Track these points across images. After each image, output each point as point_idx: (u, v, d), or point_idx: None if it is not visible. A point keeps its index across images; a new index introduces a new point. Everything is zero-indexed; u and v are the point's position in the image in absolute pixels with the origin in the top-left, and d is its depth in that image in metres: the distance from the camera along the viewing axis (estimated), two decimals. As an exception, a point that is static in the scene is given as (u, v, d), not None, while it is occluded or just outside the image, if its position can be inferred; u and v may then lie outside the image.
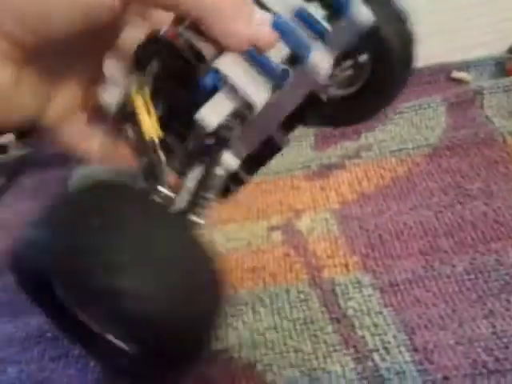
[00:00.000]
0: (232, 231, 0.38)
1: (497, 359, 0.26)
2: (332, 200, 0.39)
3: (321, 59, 0.24)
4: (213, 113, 0.22)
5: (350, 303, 0.31)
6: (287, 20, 0.23)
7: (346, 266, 0.33)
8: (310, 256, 0.34)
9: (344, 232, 0.36)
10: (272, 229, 0.37)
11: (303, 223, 0.37)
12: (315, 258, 0.34)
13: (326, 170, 0.42)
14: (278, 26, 0.23)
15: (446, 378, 0.26)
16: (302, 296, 0.32)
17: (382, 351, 0.28)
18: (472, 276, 0.31)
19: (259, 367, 0.28)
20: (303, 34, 0.23)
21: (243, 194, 0.41)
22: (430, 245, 0.33)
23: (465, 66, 0.50)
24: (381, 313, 0.30)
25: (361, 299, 0.31)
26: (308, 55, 0.23)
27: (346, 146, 0.43)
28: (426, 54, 0.51)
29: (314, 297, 0.32)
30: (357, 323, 0.29)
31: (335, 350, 0.28)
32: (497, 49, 0.51)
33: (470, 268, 0.31)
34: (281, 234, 0.37)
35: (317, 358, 0.28)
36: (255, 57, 0.22)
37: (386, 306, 0.30)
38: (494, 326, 0.28)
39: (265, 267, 0.34)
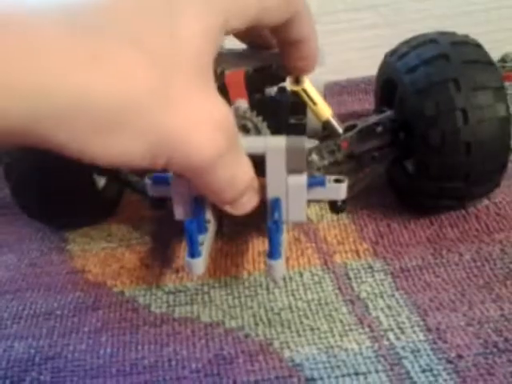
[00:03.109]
0: (240, 216, 0.39)
1: (506, 339, 0.27)
2: (339, 190, 0.40)
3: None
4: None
5: (363, 286, 0.32)
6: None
7: (357, 252, 0.34)
8: (321, 242, 0.35)
9: (353, 220, 0.37)
10: (281, 215, 0.38)
11: (312, 211, 0.38)
12: (326, 243, 0.35)
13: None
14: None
15: (459, 356, 0.27)
16: (315, 279, 0.32)
17: (397, 331, 0.29)
18: (479, 263, 0.32)
19: (276, 344, 0.29)
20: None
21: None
22: (436, 234, 0.35)
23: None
24: (393, 296, 0.31)
25: (373, 283, 0.32)
26: None
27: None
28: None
29: (328, 280, 0.32)
30: (370, 305, 0.30)
31: (351, 329, 0.29)
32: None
33: (476, 256, 0.32)
34: (290, 220, 0.38)
35: (333, 336, 0.29)
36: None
37: (397, 289, 0.31)
38: (502, 309, 0.29)
39: (276, 251, 0.35)
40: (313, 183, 0.28)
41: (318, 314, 0.30)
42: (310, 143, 0.31)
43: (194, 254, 0.27)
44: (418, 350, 0.27)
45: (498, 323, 0.28)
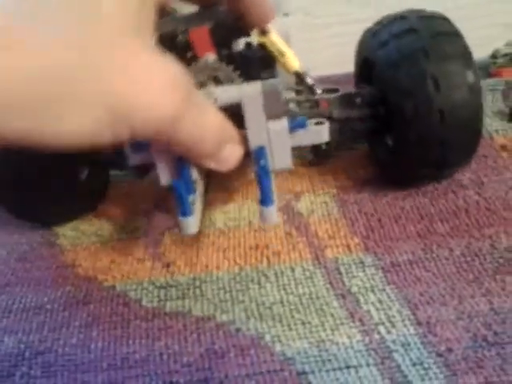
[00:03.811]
0: (232, 211, 0.39)
1: (495, 333, 0.28)
2: (330, 185, 0.40)
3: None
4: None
5: (354, 281, 0.32)
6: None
7: (348, 246, 0.34)
8: (312, 236, 0.35)
9: (344, 215, 0.37)
10: (273, 210, 0.38)
11: (303, 205, 0.38)
12: (317, 238, 0.35)
13: (322, 158, 0.43)
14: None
15: (449, 349, 0.27)
16: (307, 273, 0.33)
17: (388, 324, 0.29)
18: (469, 258, 0.32)
19: (267, 338, 0.29)
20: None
21: (240, 178, 0.42)
22: (427, 229, 0.35)
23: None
24: (384, 290, 0.31)
25: (364, 277, 0.32)
26: None
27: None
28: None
29: (319, 274, 0.32)
30: (361, 299, 0.30)
31: (342, 323, 0.29)
32: (480, 53, 0.53)
33: (466, 251, 0.33)
34: (281, 214, 0.38)
35: (324, 330, 0.29)
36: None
37: (388, 283, 0.31)
38: (491, 303, 0.29)
39: (268, 245, 0.35)
40: (294, 126, 0.28)
41: (310, 308, 0.30)
42: (286, 94, 0.32)
43: (185, 212, 0.27)
44: (409, 344, 0.28)
45: (487, 317, 0.28)
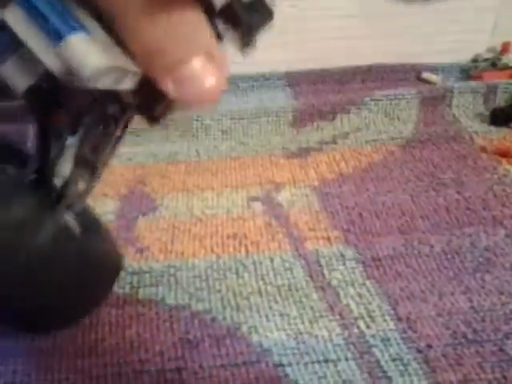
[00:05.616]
0: (210, 198, 0.38)
1: (475, 331, 0.27)
2: (311, 177, 0.39)
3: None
4: None
5: (334, 274, 0.31)
6: None
7: (329, 239, 0.33)
8: (292, 227, 0.35)
9: (325, 207, 0.36)
10: (252, 199, 0.37)
11: (283, 196, 0.37)
12: (297, 229, 0.34)
13: (304, 151, 0.43)
14: None
15: (429, 346, 0.27)
16: (286, 264, 0.32)
17: (367, 319, 0.28)
18: (449, 256, 0.32)
19: (244, 329, 0.28)
20: None
21: (219, 164, 0.41)
22: (407, 225, 0.34)
23: (433, 69, 0.52)
24: (364, 284, 0.30)
25: (344, 271, 0.31)
26: None
27: (322, 126, 0.44)
28: (398, 53, 0.53)
29: (299, 266, 0.32)
30: (341, 293, 0.30)
31: (321, 316, 0.28)
32: (462, 57, 0.54)
33: (447, 248, 0.32)
34: (261, 204, 0.37)
35: (303, 323, 0.28)
36: None
37: (369, 278, 0.31)
38: (471, 301, 0.29)
39: (246, 235, 0.34)
40: None
41: (288, 300, 0.29)
42: None
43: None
44: (388, 339, 0.27)
45: (467, 315, 0.28)
